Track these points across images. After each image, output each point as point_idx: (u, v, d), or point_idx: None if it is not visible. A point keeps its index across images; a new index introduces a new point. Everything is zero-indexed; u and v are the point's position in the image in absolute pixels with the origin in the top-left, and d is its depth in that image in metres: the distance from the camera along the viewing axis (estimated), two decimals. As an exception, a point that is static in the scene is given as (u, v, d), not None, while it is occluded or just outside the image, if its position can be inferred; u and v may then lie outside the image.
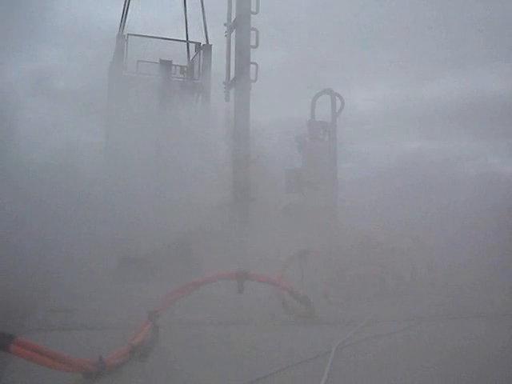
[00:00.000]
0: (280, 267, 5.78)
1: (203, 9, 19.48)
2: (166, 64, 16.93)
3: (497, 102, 15.05)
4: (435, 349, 3.59)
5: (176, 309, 4.00)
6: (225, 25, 12.92)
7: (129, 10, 18.56)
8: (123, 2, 18.89)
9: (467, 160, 16.39)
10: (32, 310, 5.16)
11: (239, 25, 12.15)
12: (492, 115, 15.01)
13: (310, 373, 2.75)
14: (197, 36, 19.21)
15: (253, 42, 11.96)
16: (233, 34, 12.62)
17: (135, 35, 17.88)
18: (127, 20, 18.40)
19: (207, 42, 19.26)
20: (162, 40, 17.62)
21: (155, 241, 10.37)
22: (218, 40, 14.84)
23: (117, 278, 10.28)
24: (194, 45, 19.70)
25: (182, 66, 18.23)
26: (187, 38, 19.15)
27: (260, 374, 2.65)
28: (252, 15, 12.02)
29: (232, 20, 12.66)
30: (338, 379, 2.64)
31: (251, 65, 11.93)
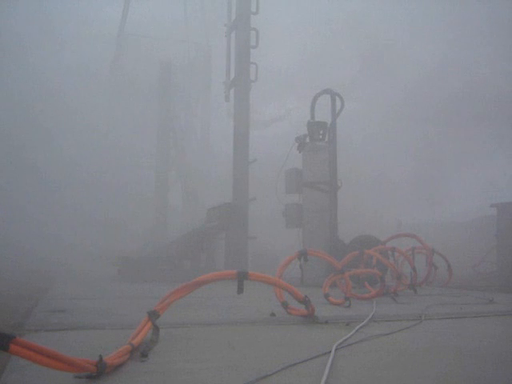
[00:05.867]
0: (280, 267, 5.78)
1: (203, 9, 19.52)
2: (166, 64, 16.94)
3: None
4: (435, 349, 3.60)
5: (176, 308, 4.00)
6: (225, 25, 12.93)
7: (129, 11, 18.59)
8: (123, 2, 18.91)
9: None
10: (32, 310, 5.17)
11: (239, 25, 12.14)
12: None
13: (309, 373, 2.75)
14: (196, 36, 19.20)
15: (253, 42, 11.96)
16: (233, 35, 12.62)
17: (135, 35, 17.90)
18: (127, 20, 18.42)
19: (207, 43, 19.28)
20: (162, 40, 17.63)
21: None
22: (218, 40, 14.83)
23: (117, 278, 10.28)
24: (193, 45, 19.69)
25: (181, 67, 18.20)
26: (187, 39, 19.17)
27: (260, 373, 2.65)
28: (252, 15, 12.02)
29: (232, 20, 12.66)
30: (338, 379, 2.64)
31: (251, 65, 11.95)
